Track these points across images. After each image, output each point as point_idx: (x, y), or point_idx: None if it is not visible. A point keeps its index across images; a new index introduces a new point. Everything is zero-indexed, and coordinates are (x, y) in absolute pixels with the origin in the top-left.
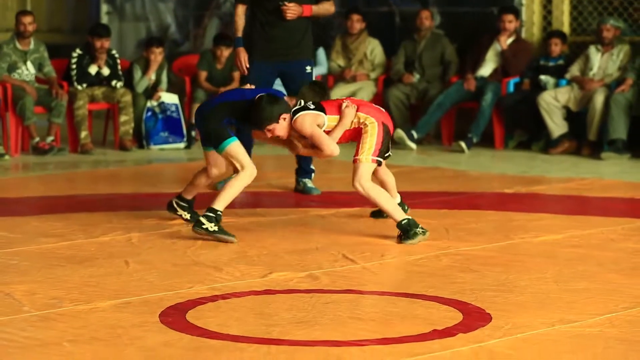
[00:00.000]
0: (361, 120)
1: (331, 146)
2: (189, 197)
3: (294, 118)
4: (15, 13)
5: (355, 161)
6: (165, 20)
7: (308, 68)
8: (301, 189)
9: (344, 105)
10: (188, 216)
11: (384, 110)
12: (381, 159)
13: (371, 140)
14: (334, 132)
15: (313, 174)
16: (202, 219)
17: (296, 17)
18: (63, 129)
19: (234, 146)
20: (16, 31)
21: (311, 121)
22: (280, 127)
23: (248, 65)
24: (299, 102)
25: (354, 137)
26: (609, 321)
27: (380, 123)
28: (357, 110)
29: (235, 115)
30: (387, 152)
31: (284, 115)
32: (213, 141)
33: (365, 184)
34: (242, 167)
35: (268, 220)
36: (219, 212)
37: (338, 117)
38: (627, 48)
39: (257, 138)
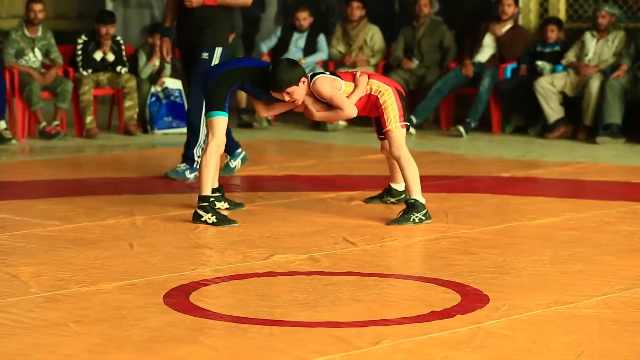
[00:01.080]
0: (374, 88)
1: (350, 107)
2: (214, 185)
3: (313, 80)
4: (26, 0)
5: (386, 133)
6: None
7: (205, 55)
8: None
9: (357, 74)
10: (227, 205)
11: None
12: (408, 123)
13: (393, 109)
14: (350, 97)
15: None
16: (199, 211)
17: (196, 5)
18: (69, 114)
19: (221, 120)
20: (25, 18)
21: (329, 83)
22: (300, 90)
23: (171, 55)
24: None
25: (370, 107)
26: (604, 302)
27: (393, 89)
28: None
29: (250, 81)
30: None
31: (303, 79)
32: (207, 103)
33: (402, 151)
34: (212, 138)
35: (270, 203)
36: (211, 199)
37: (353, 84)
38: (622, 34)
39: (268, 112)
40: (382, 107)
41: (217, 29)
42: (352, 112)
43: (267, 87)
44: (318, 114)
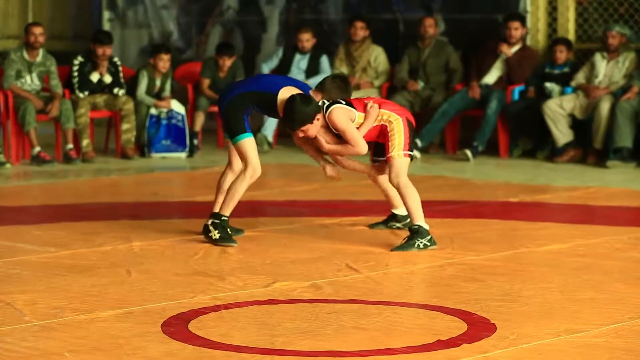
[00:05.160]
0: (384, 117)
1: (361, 144)
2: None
3: (329, 110)
4: (26, 24)
5: (388, 159)
6: (167, 28)
7: None
8: None
9: (368, 105)
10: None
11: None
12: (412, 153)
13: (399, 137)
14: (360, 129)
15: None
16: (210, 226)
17: None
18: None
19: (248, 142)
20: (25, 41)
21: (345, 115)
22: (314, 128)
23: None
24: (323, 102)
25: (379, 135)
26: (615, 331)
27: (404, 118)
28: (379, 108)
29: (261, 107)
30: (414, 146)
31: (317, 116)
32: (229, 131)
33: (401, 179)
34: (246, 165)
35: (271, 229)
36: (224, 218)
37: (363, 115)
38: (633, 55)
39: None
40: (390, 134)
41: None
42: (363, 149)
43: (277, 115)
44: (327, 146)
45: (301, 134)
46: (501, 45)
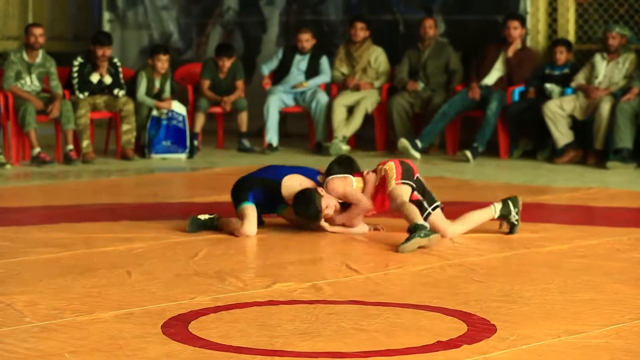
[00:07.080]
0: (379, 167)
1: (364, 200)
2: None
3: (325, 183)
4: (26, 25)
5: (387, 196)
6: (167, 28)
7: None
8: None
9: (365, 172)
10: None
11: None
12: (409, 182)
13: (390, 170)
14: (364, 194)
15: None
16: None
17: None
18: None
19: (249, 207)
20: (25, 42)
21: (341, 182)
22: (327, 201)
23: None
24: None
25: (383, 191)
26: (615, 332)
27: (397, 161)
28: (378, 165)
29: (265, 190)
30: (413, 180)
31: (320, 191)
32: (234, 203)
33: (399, 200)
34: (242, 224)
35: (271, 230)
36: (206, 218)
37: (360, 179)
38: (633, 56)
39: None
40: (385, 177)
41: None
42: (367, 204)
43: (280, 200)
44: (338, 217)
45: (329, 213)
46: (507, 47)
